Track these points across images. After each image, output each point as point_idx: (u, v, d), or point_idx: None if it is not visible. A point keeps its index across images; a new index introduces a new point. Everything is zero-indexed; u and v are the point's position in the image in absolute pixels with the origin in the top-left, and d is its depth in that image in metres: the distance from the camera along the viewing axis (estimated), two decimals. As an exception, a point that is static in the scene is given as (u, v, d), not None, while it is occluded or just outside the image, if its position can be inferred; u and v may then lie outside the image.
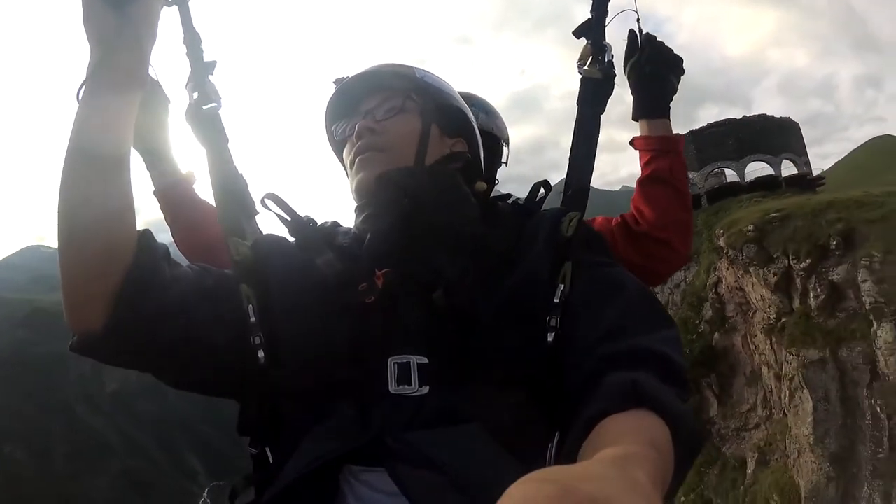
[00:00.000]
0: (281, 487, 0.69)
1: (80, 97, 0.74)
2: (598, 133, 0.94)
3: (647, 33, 1.23)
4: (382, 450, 0.69)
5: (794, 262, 12.71)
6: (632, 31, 1.23)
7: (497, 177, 1.52)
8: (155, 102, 1.20)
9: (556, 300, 0.77)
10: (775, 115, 26.06)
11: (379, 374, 0.76)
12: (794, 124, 26.83)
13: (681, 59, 1.25)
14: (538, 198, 1.00)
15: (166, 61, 1.12)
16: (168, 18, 0.92)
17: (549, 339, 0.76)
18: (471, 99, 1.40)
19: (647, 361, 0.66)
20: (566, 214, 0.84)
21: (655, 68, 1.21)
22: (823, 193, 19.19)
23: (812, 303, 12.23)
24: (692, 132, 24.58)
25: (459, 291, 0.78)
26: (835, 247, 11.52)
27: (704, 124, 25.76)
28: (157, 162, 1.27)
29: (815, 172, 26.37)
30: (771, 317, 13.68)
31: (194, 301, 0.78)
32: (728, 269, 15.44)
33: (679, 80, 1.25)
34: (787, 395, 12.65)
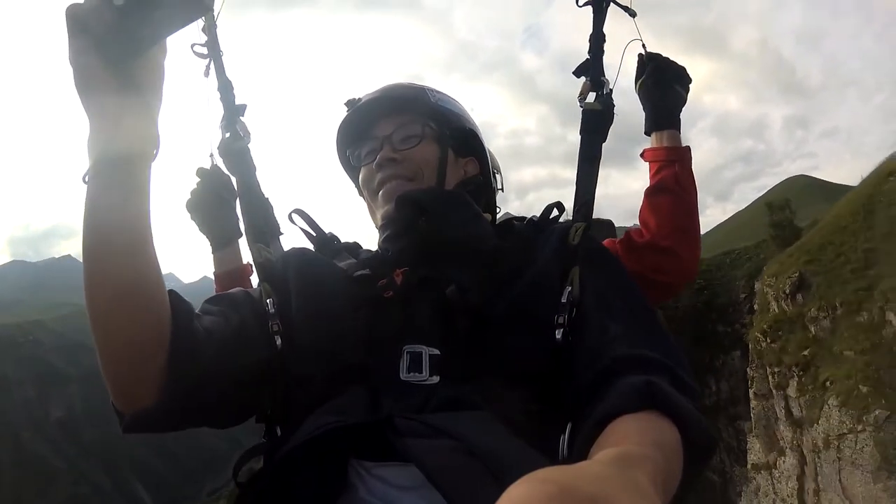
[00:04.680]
0: (286, 452, 0.73)
1: (86, 180, 0.70)
2: (600, 157, 1.00)
3: (650, 52, 1.34)
4: (390, 432, 0.71)
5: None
6: (640, 55, 1.35)
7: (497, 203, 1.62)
8: (225, 194, 1.40)
9: (563, 300, 0.83)
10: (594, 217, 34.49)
11: (391, 362, 0.82)
12: (607, 222, 36.05)
13: (682, 68, 1.35)
14: (551, 216, 1.06)
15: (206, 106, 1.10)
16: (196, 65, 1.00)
17: (558, 335, 0.81)
18: None
19: (659, 369, 0.71)
20: (574, 225, 0.92)
21: (657, 79, 1.32)
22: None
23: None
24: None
25: (472, 291, 0.85)
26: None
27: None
28: (220, 248, 1.47)
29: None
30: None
31: (232, 346, 0.82)
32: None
33: (686, 89, 1.35)
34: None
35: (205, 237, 1.47)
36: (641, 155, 1.38)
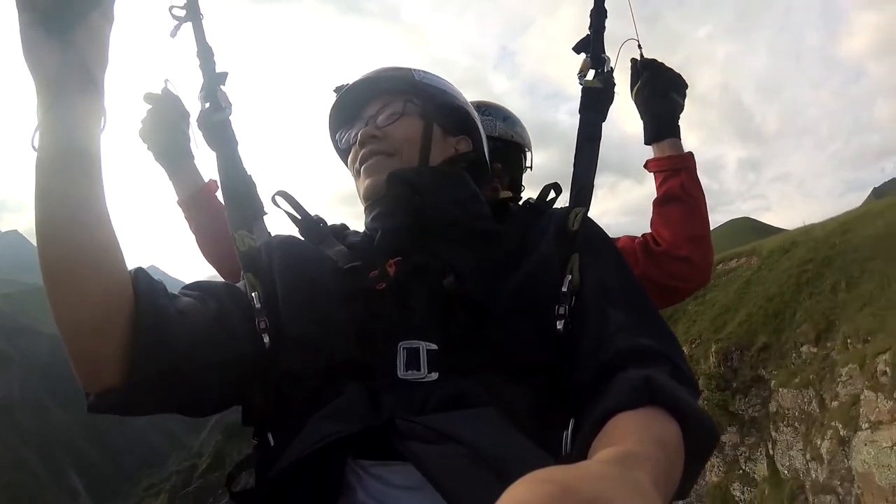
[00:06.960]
0: (284, 467, 0.71)
1: (34, 144, 0.70)
2: (600, 137, 0.99)
3: (645, 58, 1.36)
4: (393, 434, 0.70)
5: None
6: (633, 60, 1.37)
7: (523, 182, 1.64)
8: (176, 116, 1.38)
9: (564, 289, 0.82)
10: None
11: (387, 359, 0.79)
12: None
13: (678, 75, 1.37)
14: (549, 198, 1.05)
15: (182, 71, 1.15)
16: (183, 33, 1.03)
17: (559, 326, 0.80)
18: (488, 107, 1.62)
19: (660, 360, 0.72)
20: (572, 210, 0.91)
21: (654, 88, 1.35)
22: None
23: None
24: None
25: (470, 280, 0.83)
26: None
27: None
28: (178, 173, 1.44)
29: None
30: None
31: (209, 332, 0.80)
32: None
33: (683, 96, 1.38)
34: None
35: (160, 165, 1.46)
36: (645, 166, 1.41)
